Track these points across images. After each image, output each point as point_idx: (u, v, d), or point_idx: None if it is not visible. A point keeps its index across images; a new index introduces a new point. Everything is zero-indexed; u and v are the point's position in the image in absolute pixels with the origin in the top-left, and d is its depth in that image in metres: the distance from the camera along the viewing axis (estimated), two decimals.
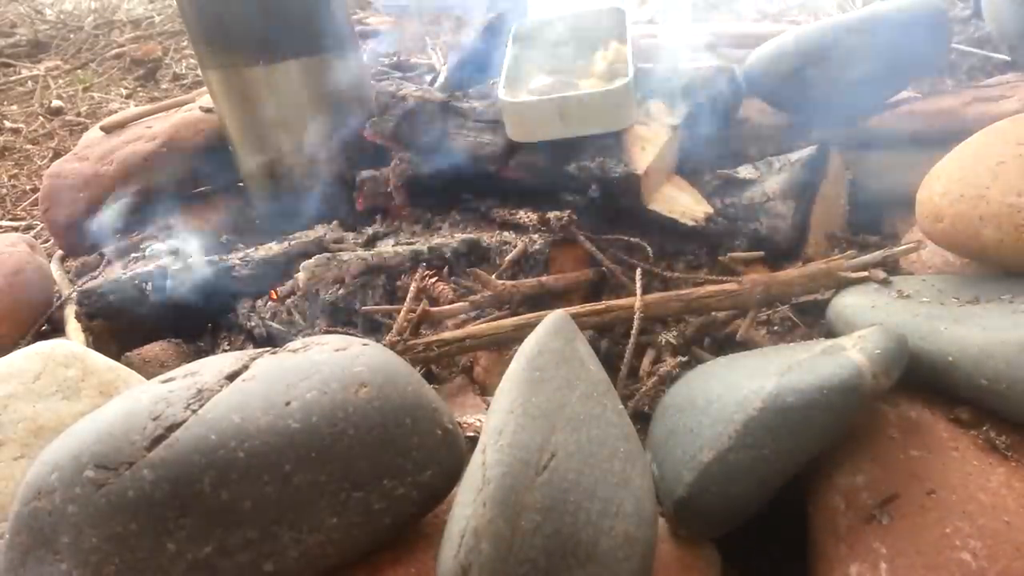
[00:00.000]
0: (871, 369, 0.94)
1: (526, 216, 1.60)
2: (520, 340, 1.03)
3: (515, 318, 1.34)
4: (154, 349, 1.66)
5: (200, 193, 2.21)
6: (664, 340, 1.37)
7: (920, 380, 1.07)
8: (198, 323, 1.64)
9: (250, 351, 1.01)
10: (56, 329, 1.70)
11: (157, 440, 0.83)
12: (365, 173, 1.93)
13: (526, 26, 1.83)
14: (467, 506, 0.83)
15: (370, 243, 1.73)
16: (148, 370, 1.54)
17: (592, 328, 1.36)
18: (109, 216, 1.94)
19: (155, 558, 0.80)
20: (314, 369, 0.92)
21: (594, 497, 0.83)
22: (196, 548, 0.81)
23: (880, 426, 1.04)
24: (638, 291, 1.35)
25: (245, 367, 0.95)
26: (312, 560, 0.87)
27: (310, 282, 1.50)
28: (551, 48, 1.83)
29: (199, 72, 2.55)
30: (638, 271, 1.41)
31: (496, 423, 0.88)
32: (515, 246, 1.55)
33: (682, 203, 1.57)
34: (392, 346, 1.28)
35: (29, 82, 3.78)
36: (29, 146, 3.19)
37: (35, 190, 2.77)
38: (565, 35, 1.83)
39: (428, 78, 2.29)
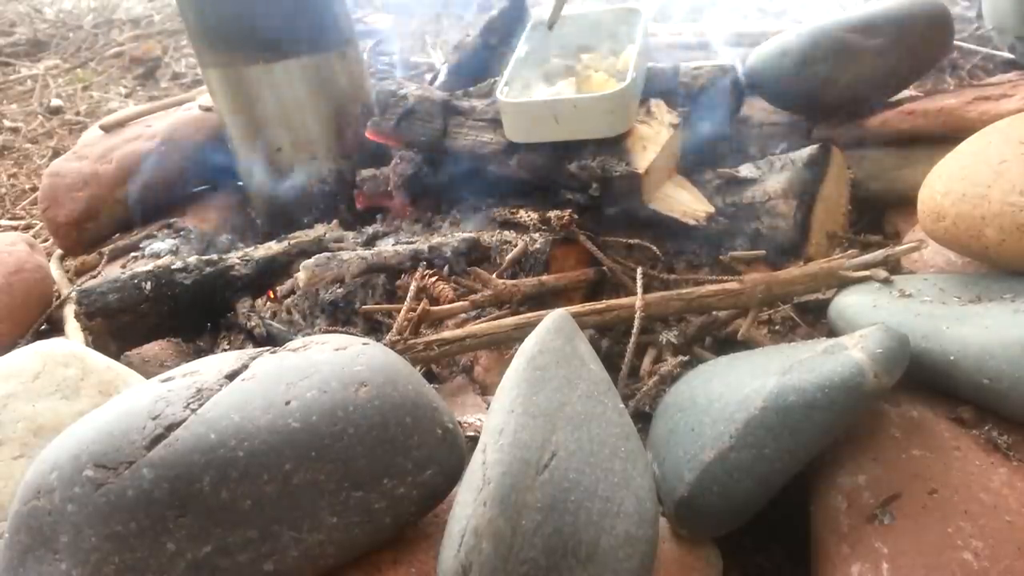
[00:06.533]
0: (873, 368, 0.94)
1: (526, 215, 1.60)
2: (520, 339, 1.03)
3: (515, 317, 1.34)
4: (153, 348, 1.65)
5: (199, 192, 2.21)
6: (665, 339, 1.37)
7: (922, 379, 1.06)
8: (198, 322, 1.64)
9: (250, 350, 1.00)
10: (55, 328, 1.70)
11: (156, 439, 0.83)
12: (365, 173, 1.93)
13: (539, 26, 1.82)
14: (467, 505, 0.83)
15: (370, 242, 1.72)
16: (148, 369, 1.53)
17: (593, 327, 1.36)
18: None
19: (154, 557, 0.80)
20: (314, 368, 0.92)
21: (595, 496, 0.83)
22: (196, 548, 0.81)
23: (882, 426, 1.04)
24: (639, 290, 1.35)
25: (245, 366, 0.95)
26: (312, 560, 0.86)
27: (310, 281, 1.50)
28: (562, 48, 1.82)
29: (198, 71, 2.54)
30: (639, 270, 1.41)
31: (496, 422, 0.88)
32: (515, 245, 1.55)
33: (683, 202, 1.57)
34: (392, 345, 1.28)
35: (28, 81, 3.77)
36: (28, 145, 3.18)
37: (34, 189, 2.76)
38: (578, 35, 1.82)
39: (428, 77, 2.29)
